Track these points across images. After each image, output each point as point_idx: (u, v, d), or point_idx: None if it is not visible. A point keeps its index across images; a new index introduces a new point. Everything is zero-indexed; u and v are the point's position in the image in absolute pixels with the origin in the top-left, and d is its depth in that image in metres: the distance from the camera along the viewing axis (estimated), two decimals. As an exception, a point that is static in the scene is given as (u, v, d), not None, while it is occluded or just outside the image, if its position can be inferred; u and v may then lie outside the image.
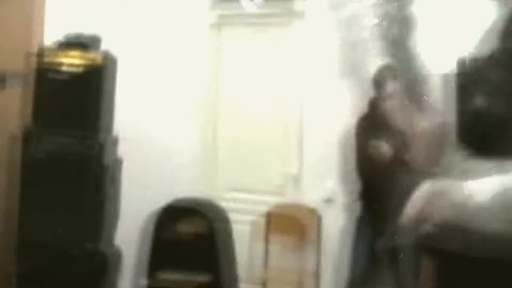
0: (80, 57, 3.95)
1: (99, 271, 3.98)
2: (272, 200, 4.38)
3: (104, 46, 4.07)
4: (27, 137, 3.94)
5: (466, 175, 0.96)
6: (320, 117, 4.32)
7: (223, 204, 4.35)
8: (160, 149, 4.47)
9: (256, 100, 4.56)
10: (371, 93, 3.74)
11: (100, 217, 3.98)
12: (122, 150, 4.21)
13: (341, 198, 4.19)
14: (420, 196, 0.98)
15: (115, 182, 4.14)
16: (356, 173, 3.79)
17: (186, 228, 4.32)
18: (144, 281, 4.18)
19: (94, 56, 3.96)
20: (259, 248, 4.32)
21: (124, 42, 4.51)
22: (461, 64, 1.06)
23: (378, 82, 3.64)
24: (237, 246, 4.31)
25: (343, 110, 4.11)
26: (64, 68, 3.94)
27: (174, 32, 4.66)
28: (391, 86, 3.61)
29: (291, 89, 4.47)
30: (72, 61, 3.95)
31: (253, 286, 4.26)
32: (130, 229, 4.35)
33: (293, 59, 4.47)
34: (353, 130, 3.83)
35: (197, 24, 4.62)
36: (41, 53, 4.01)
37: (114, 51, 4.06)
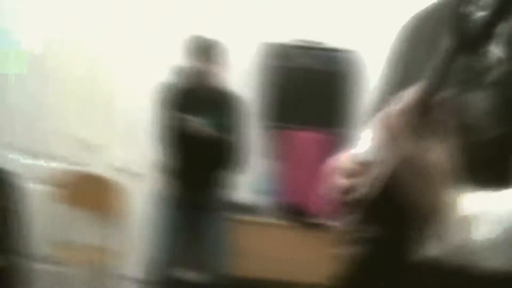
0: None
1: None
2: (67, 168, 4.00)
3: None
4: None
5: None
6: (129, 81, 4.01)
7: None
8: None
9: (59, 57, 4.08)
10: (185, 62, 3.53)
11: None
12: None
13: (148, 171, 3.93)
14: None
15: None
16: (165, 146, 3.56)
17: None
18: None
19: None
20: (56, 221, 3.93)
21: None
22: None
23: (198, 53, 3.45)
24: (29, 219, 3.86)
25: (153, 76, 3.83)
26: None
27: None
28: (209, 59, 3.45)
29: (97, 52, 4.08)
30: None
31: (48, 265, 3.87)
32: None
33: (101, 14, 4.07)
34: (163, 99, 3.55)
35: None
36: None
37: None
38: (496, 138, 0.93)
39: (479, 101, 0.93)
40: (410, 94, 0.81)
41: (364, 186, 1.15)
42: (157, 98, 3.54)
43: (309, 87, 3.95)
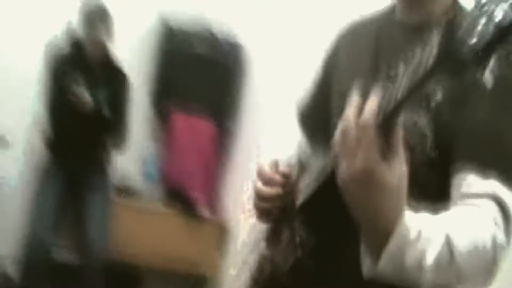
0: None
1: None
2: None
3: None
4: None
5: None
6: (14, 43, 3.72)
7: None
8: None
9: None
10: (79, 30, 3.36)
11: None
12: None
13: (26, 141, 3.67)
14: None
15: None
16: (47, 115, 3.38)
17: None
18: None
19: None
20: None
21: None
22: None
23: (87, 21, 3.28)
24: None
25: (41, 41, 3.56)
26: None
27: None
28: (100, 30, 3.28)
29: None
30: None
31: None
32: None
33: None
34: (48, 66, 3.38)
35: None
36: None
37: None
38: (428, 161, 0.96)
39: (420, 122, 0.95)
40: (371, 108, 0.76)
41: (279, 196, 1.15)
42: (43, 64, 3.36)
43: (202, 75, 3.87)
